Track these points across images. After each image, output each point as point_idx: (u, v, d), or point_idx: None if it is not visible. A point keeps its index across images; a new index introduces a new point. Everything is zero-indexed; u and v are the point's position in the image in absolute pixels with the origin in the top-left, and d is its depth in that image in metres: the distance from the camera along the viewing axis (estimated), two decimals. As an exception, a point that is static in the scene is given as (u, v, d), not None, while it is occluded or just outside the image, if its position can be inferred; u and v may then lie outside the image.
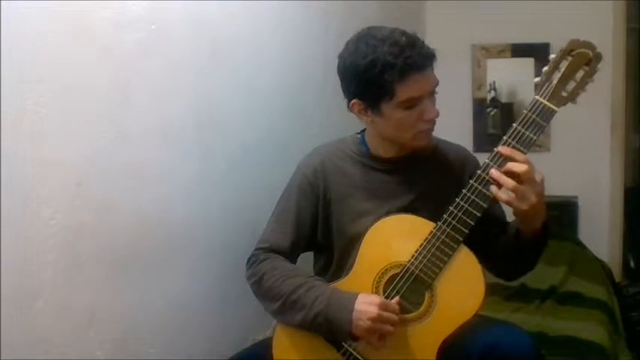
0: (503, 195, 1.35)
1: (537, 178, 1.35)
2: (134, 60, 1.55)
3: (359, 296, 1.42)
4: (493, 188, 1.36)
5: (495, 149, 1.39)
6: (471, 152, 1.67)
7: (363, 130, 1.63)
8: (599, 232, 3.19)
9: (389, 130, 1.51)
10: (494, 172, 1.36)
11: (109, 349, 1.51)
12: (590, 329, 2.26)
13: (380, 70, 1.40)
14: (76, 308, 1.43)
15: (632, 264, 3.28)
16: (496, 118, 3.33)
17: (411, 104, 1.44)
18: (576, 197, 3.21)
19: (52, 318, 1.37)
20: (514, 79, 3.31)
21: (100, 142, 1.47)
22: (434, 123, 1.49)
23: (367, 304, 1.39)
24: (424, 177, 1.56)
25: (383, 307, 1.38)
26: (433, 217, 1.46)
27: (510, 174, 1.34)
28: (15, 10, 1.24)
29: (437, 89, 1.48)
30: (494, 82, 3.34)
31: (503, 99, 3.33)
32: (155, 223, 1.64)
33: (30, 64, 1.29)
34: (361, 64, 1.42)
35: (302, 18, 2.22)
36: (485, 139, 3.27)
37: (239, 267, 1.61)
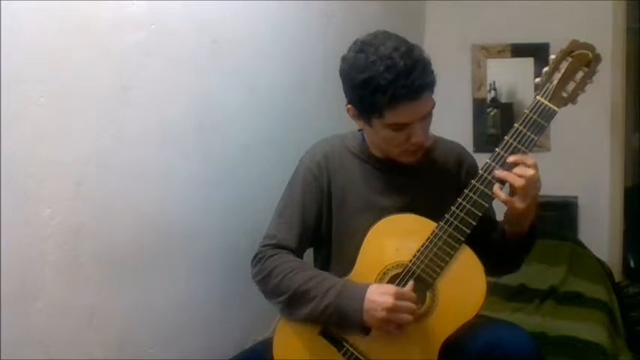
0: (502, 195, 1.36)
1: (537, 183, 1.36)
2: (134, 60, 1.55)
3: (371, 286, 1.41)
4: (496, 187, 1.37)
5: (497, 149, 1.40)
6: (469, 150, 1.68)
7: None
8: (599, 232, 3.19)
9: (378, 141, 1.52)
10: (501, 173, 1.37)
11: (109, 349, 1.51)
12: (590, 329, 2.26)
13: (371, 92, 1.38)
14: (76, 308, 1.43)
15: (632, 264, 3.28)
16: (496, 118, 3.33)
17: (399, 127, 1.43)
18: (576, 197, 3.20)
19: (52, 318, 1.37)
20: (514, 79, 3.31)
21: (100, 142, 1.47)
22: (423, 145, 1.48)
23: (382, 294, 1.38)
24: (423, 175, 1.57)
25: (399, 296, 1.37)
26: (431, 215, 1.46)
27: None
28: (15, 10, 1.24)
29: (436, 90, 1.47)
30: (494, 82, 3.34)
31: (503, 99, 3.32)
32: (155, 222, 1.64)
33: (30, 64, 1.29)
34: (356, 79, 1.41)
35: (302, 18, 2.22)
36: (486, 139, 3.27)
37: (239, 267, 1.61)
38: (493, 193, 1.37)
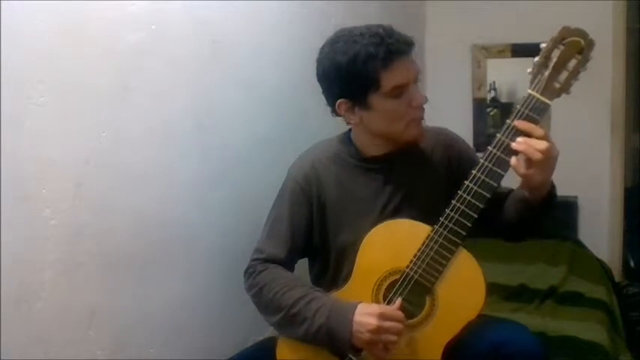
0: (522, 168, 1.32)
1: (554, 153, 1.33)
2: (134, 60, 1.55)
3: (358, 307, 1.39)
4: (513, 159, 1.32)
5: (489, 147, 1.37)
6: (457, 135, 1.66)
7: (349, 131, 1.62)
8: (599, 232, 3.19)
9: (380, 123, 1.49)
10: (519, 146, 1.31)
11: (109, 349, 1.51)
12: (590, 329, 2.26)
13: (363, 61, 1.40)
14: (76, 308, 1.43)
15: (632, 264, 3.28)
16: (496, 118, 3.33)
17: (397, 92, 1.43)
18: (576, 197, 3.21)
19: (52, 318, 1.37)
20: (514, 79, 3.31)
21: (100, 142, 1.47)
22: (423, 111, 1.49)
23: (366, 316, 1.36)
24: (412, 171, 1.56)
25: (383, 317, 1.35)
26: (426, 211, 1.45)
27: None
28: (15, 10, 1.24)
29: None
30: (494, 82, 3.34)
31: (503, 99, 3.33)
32: (155, 222, 1.64)
33: (30, 64, 1.29)
34: (343, 60, 1.42)
35: (302, 18, 2.22)
36: (485, 139, 3.27)
37: (239, 267, 1.61)
38: (512, 165, 1.32)
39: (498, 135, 1.37)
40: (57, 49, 1.35)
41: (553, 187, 1.44)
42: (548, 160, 1.31)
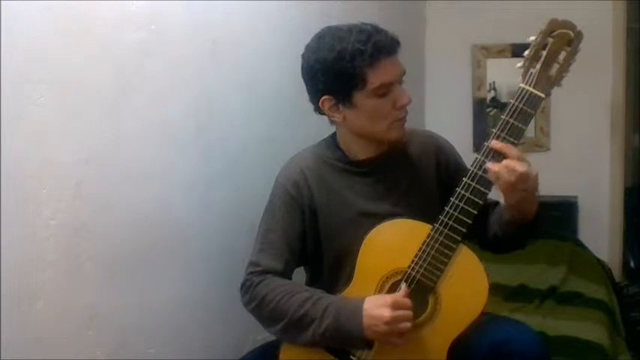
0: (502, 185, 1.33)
1: (533, 173, 1.33)
2: (134, 60, 1.55)
3: (366, 301, 1.38)
4: (492, 171, 1.33)
5: (485, 143, 1.38)
6: (469, 150, 1.67)
7: (334, 135, 1.61)
8: (599, 232, 3.19)
9: (363, 122, 1.48)
10: (491, 166, 1.33)
11: (108, 349, 1.51)
12: (590, 329, 2.26)
13: (350, 58, 1.40)
14: (76, 308, 1.43)
15: (632, 264, 3.28)
16: (496, 118, 3.33)
17: (383, 91, 1.43)
18: (576, 197, 3.20)
19: (52, 318, 1.37)
20: (514, 79, 3.30)
21: (100, 142, 1.47)
22: (406, 112, 1.48)
23: (378, 308, 1.36)
24: (402, 173, 1.55)
25: (395, 305, 1.36)
26: (418, 212, 1.45)
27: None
28: (15, 10, 1.25)
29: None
30: (494, 82, 3.34)
31: (503, 99, 3.32)
32: (155, 222, 1.64)
33: (30, 64, 1.29)
34: (329, 57, 1.42)
35: (302, 18, 2.22)
36: (485, 139, 3.26)
37: (238, 266, 1.61)
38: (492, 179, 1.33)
39: (493, 130, 1.39)
40: (57, 49, 1.35)
41: (537, 215, 1.43)
42: (524, 182, 1.31)
